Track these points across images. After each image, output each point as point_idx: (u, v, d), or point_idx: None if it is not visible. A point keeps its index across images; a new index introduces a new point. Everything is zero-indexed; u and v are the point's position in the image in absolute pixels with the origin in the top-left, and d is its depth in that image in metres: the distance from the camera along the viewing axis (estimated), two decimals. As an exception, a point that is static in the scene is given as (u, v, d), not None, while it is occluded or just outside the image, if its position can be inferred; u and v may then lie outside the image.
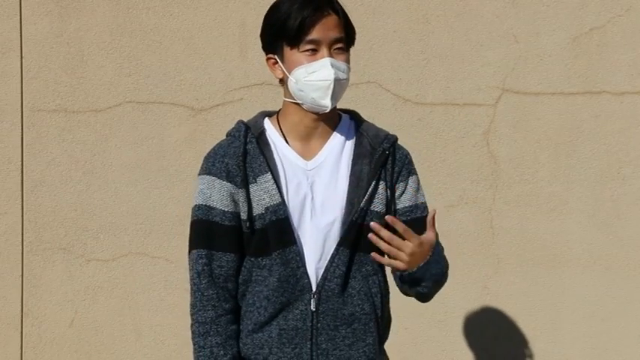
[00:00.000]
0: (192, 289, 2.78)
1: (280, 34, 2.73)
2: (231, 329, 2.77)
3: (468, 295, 4.54)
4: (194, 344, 2.77)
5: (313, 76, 2.70)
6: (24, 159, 4.57)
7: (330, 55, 2.70)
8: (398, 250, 2.68)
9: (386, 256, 2.72)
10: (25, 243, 4.57)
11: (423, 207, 2.84)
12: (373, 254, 2.70)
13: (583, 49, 4.49)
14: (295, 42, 2.71)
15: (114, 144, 4.55)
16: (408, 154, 2.86)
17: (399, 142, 2.87)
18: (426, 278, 2.73)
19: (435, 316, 4.52)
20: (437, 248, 2.74)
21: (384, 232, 2.67)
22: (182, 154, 4.52)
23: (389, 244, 2.68)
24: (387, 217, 2.70)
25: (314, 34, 2.70)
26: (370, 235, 2.69)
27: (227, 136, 2.84)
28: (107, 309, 4.58)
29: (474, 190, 4.52)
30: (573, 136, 4.51)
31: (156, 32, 4.54)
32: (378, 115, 4.42)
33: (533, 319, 4.54)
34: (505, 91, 4.51)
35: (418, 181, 2.85)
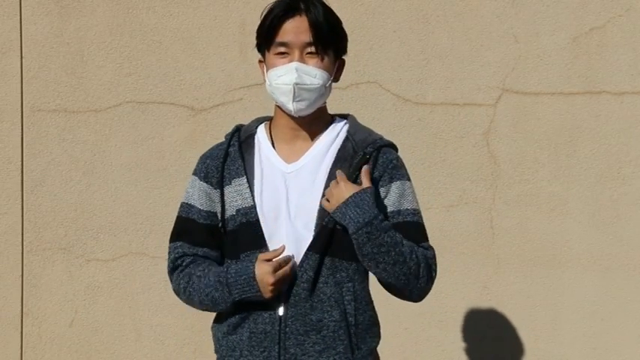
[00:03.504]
0: (171, 281, 2.83)
1: (260, 37, 2.76)
2: (205, 260, 2.79)
3: (468, 295, 4.54)
4: (193, 297, 2.77)
5: (280, 80, 2.71)
6: (24, 159, 4.57)
7: (302, 60, 2.70)
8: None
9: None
10: (25, 243, 4.57)
11: (408, 213, 2.78)
12: (323, 199, 2.71)
13: (583, 49, 4.49)
14: (268, 44, 2.72)
15: (114, 144, 4.55)
16: (395, 159, 2.81)
17: (392, 147, 2.84)
18: (348, 224, 2.67)
19: (435, 316, 4.52)
20: (361, 196, 2.68)
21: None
22: (182, 154, 4.52)
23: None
24: (337, 171, 2.71)
25: (283, 37, 2.70)
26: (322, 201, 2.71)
27: (224, 138, 2.88)
28: (107, 309, 4.58)
29: (474, 190, 4.52)
30: (573, 136, 4.51)
31: (156, 32, 4.54)
32: (378, 115, 4.43)
33: (533, 319, 4.54)
34: (505, 91, 4.51)
35: (405, 187, 2.79)
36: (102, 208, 4.56)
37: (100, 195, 4.56)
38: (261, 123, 2.87)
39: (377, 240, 2.66)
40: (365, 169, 2.71)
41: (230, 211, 2.76)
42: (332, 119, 2.84)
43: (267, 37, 2.71)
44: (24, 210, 4.57)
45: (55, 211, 4.56)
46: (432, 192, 4.50)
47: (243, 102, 4.52)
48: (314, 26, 2.70)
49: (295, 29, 2.69)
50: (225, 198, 2.76)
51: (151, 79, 4.54)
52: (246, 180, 2.75)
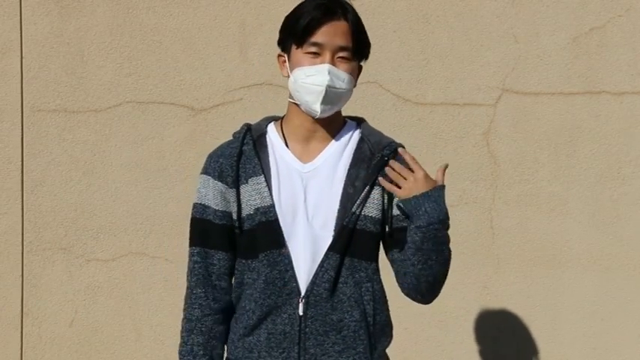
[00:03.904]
0: (186, 285, 2.85)
1: (290, 33, 2.74)
2: (216, 330, 2.80)
3: (468, 295, 4.54)
4: (180, 337, 2.87)
5: (309, 80, 2.70)
6: (24, 159, 4.57)
7: (333, 63, 2.71)
8: (401, 177, 2.70)
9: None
10: (25, 243, 4.57)
11: None
12: (380, 178, 2.72)
13: (583, 49, 4.49)
14: (300, 41, 2.71)
15: (114, 144, 4.55)
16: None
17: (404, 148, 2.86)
18: (420, 216, 2.68)
19: (435, 316, 4.52)
20: (438, 192, 2.72)
21: (396, 165, 2.71)
22: (182, 154, 4.52)
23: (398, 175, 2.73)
24: (399, 149, 2.73)
25: (318, 37, 2.70)
26: (381, 180, 2.71)
27: (232, 137, 2.86)
28: (107, 309, 4.58)
29: (474, 190, 4.52)
30: (573, 136, 4.51)
31: (156, 32, 4.54)
32: (378, 115, 4.43)
33: (533, 319, 4.54)
34: (505, 91, 4.51)
35: None
36: (102, 208, 4.56)
37: (100, 195, 4.56)
38: (270, 122, 2.86)
39: (440, 239, 2.71)
40: (443, 166, 2.76)
41: (247, 210, 2.74)
42: (344, 121, 2.85)
43: (302, 35, 2.70)
44: (24, 210, 4.57)
45: (55, 211, 4.56)
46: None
47: (243, 102, 4.52)
48: (352, 32, 2.73)
49: (332, 32, 2.70)
50: (242, 197, 2.74)
51: (151, 79, 4.54)
52: (264, 179, 2.73)
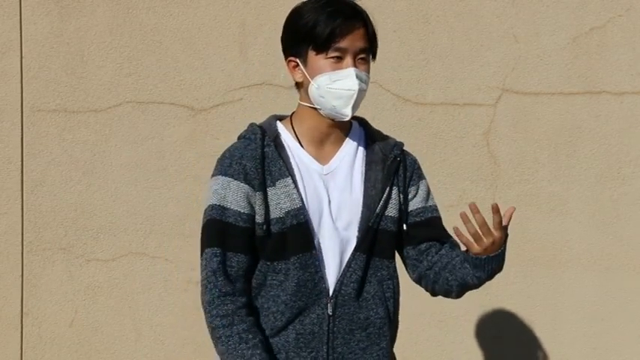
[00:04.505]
0: (207, 287, 2.73)
1: (307, 39, 2.73)
2: (252, 319, 2.73)
3: (468, 295, 4.51)
4: (219, 337, 2.71)
5: (337, 85, 2.72)
6: (24, 159, 4.57)
7: (354, 65, 2.73)
8: (482, 236, 2.72)
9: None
10: (25, 243, 4.57)
11: (433, 209, 2.91)
12: (456, 228, 2.74)
13: (583, 49, 4.49)
14: (323, 48, 2.71)
15: (114, 144, 4.55)
16: (416, 160, 2.92)
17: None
18: (480, 272, 2.81)
19: (435, 316, 4.52)
20: (505, 249, 2.79)
21: (479, 217, 2.70)
22: (182, 154, 4.52)
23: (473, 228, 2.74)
24: (492, 204, 2.72)
25: (343, 43, 2.71)
26: (458, 233, 2.75)
27: (239, 138, 2.83)
28: (107, 309, 4.58)
29: (474, 190, 4.52)
30: (573, 136, 4.51)
31: (156, 32, 4.54)
32: (378, 115, 4.43)
33: (533, 319, 4.54)
34: (505, 91, 4.51)
35: (428, 185, 2.93)
36: (102, 208, 4.56)
37: (100, 195, 4.56)
38: (276, 122, 2.85)
39: (495, 276, 2.85)
40: (512, 210, 2.76)
41: (276, 213, 2.73)
42: (350, 122, 2.86)
43: (325, 42, 2.71)
44: (24, 210, 4.57)
45: (55, 211, 4.56)
46: (432, 192, 4.50)
47: (243, 102, 4.52)
48: (371, 33, 2.76)
49: (354, 36, 2.72)
50: (270, 200, 2.73)
51: (151, 79, 4.54)
52: (292, 181, 2.74)
